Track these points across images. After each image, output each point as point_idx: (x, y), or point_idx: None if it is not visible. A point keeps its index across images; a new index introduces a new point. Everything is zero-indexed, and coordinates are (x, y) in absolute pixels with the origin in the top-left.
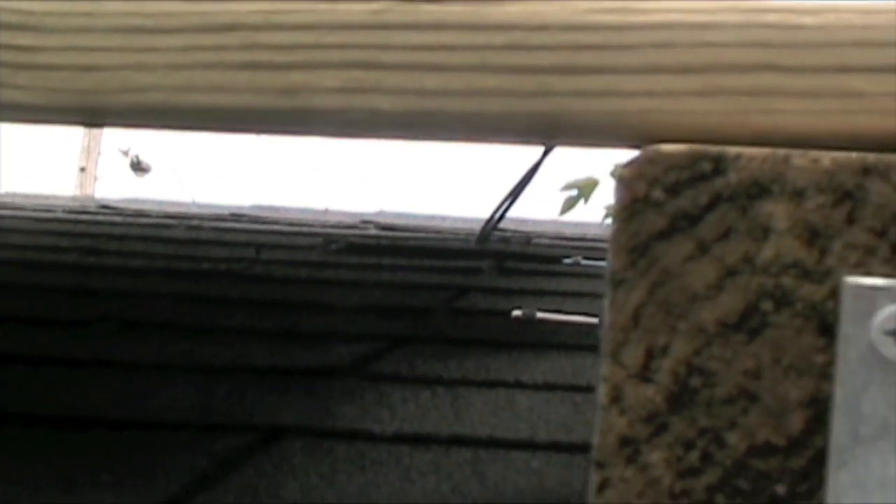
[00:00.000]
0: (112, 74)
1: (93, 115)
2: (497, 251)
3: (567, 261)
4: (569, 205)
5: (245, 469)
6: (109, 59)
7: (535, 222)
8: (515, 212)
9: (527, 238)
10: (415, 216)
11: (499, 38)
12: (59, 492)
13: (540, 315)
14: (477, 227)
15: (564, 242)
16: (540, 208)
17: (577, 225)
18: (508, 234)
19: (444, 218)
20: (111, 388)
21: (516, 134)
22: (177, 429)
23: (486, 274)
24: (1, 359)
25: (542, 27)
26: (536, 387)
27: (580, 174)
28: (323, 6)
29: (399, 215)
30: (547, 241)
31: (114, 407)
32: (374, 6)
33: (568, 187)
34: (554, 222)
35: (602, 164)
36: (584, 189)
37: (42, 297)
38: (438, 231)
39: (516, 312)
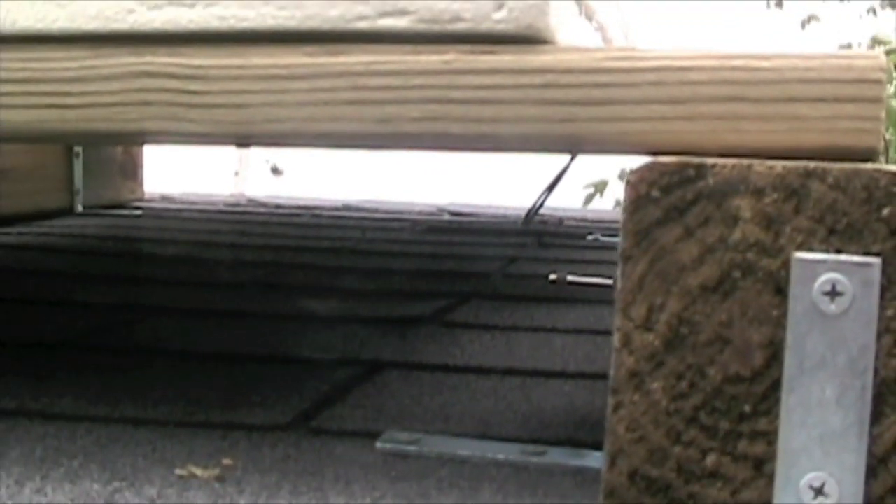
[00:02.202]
0: (258, 110)
1: (244, 140)
2: (538, 231)
3: (589, 237)
4: (588, 198)
5: (356, 393)
6: (255, 99)
7: (565, 209)
8: (551, 202)
9: (560, 220)
10: (477, 205)
11: (537, 80)
12: (221, 409)
13: (570, 278)
14: (522, 213)
15: (587, 223)
16: (568, 201)
17: (596, 211)
18: (546, 218)
19: (498, 206)
20: (259, 333)
21: (551, 148)
22: (307, 363)
23: (530, 247)
24: (179, 313)
25: (569, 71)
26: (567, 331)
27: (596, 177)
28: (408, 58)
29: (466, 205)
30: (575, 223)
31: (261, 347)
32: (446, 57)
33: (588, 186)
34: (580, 209)
35: (611, 169)
36: (599, 187)
37: (208, 267)
38: (494, 216)
39: (552, 276)
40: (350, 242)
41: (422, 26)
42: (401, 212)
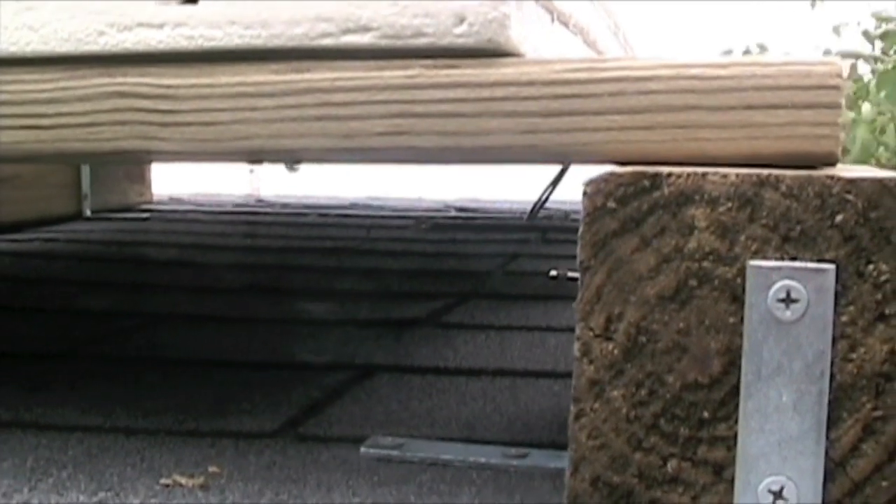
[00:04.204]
0: (227, 127)
1: (214, 157)
2: (542, 226)
3: None
4: None
5: (346, 397)
6: (224, 117)
7: (572, 202)
8: (558, 195)
9: (566, 214)
10: (482, 201)
11: (498, 92)
12: (212, 417)
13: (570, 274)
14: (527, 208)
15: None
16: (576, 194)
17: None
18: (552, 213)
19: (503, 202)
20: (255, 338)
21: (515, 159)
22: (300, 368)
23: (533, 243)
24: (178, 319)
25: (530, 83)
26: (561, 330)
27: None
28: (372, 73)
29: (471, 200)
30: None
31: (256, 352)
32: (409, 72)
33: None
34: None
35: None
36: None
37: (210, 271)
38: (499, 212)
39: (552, 272)
40: (354, 242)
41: (385, 42)
42: (407, 209)
